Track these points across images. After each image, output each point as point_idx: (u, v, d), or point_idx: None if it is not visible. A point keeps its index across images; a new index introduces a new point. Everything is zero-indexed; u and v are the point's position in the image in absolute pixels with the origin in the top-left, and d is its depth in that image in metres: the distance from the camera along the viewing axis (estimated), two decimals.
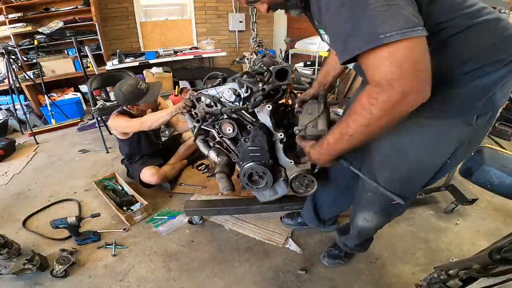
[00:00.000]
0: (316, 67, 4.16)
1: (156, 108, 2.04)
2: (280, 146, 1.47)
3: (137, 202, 1.95)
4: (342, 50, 0.66)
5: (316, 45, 4.30)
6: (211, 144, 1.61)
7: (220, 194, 1.99)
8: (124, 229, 1.74)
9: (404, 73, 0.58)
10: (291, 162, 1.50)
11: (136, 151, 2.15)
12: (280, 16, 5.68)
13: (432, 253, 1.53)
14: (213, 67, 4.99)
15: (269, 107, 1.36)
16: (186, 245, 1.64)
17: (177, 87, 4.24)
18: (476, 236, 1.63)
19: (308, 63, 4.49)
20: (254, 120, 1.40)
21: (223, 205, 1.75)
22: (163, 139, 2.54)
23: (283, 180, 1.53)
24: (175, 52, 4.63)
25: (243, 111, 1.36)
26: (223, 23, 5.31)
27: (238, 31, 5.42)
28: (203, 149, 1.59)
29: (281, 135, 1.42)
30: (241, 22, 5.30)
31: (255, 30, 1.61)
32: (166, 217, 1.84)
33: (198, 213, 1.75)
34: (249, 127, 1.40)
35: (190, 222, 1.78)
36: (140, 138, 2.09)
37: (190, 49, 4.88)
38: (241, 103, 1.40)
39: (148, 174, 2.00)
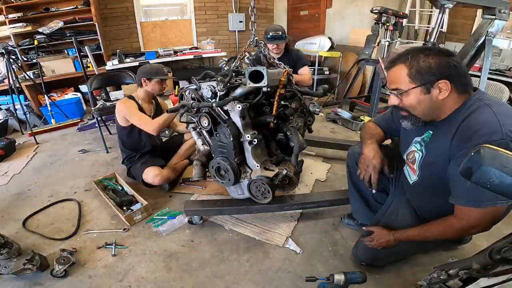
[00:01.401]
0: (316, 67, 4.15)
1: (161, 94, 2.27)
2: (248, 147, 1.47)
3: (137, 202, 1.95)
4: (458, 194, 0.97)
5: (316, 45, 4.30)
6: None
7: (190, 179, 2.09)
8: (124, 229, 1.74)
9: (482, 225, 1.00)
10: (257, 166, 1.49)
11: (135, 145, 2.14)
12: (280, 16, 5.68)
13: (432, 253, 1.53)
14: (213, 67, 4.99)
15: (239, 107, 1.37)
16: (186, 245, 1.64)
17: (177, 87, 4.24)
18: (476, 236, 1.62)
19: (308, 63, 4.49)
20: (226, 118, 1.42)
21: (223, 205, 1.75)
22: (164, 139, 2.54)
23: (248, 181, 1.54)
24: (175, 52, 4.63)
25: (218, 108, 1.40)
26: (223, 23, 5.31)
27: (238, 31, 5.42)
28: (194, 136, 1.67)
29: (248, 136, 1.43)
30: (241, 22, 5.31)
31: (253, 30, 1.62)
32: (166, 217, 1.83)
33: (198, 213, 1.75)
34: (221, 123, 1.43)
35: (190, 222, 1.78)
36: (141, 130, 2.10)
37: (190, 49, 4.88)
38: (217, 99, 1.44)
39: (151, 176, 2.00)
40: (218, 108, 1.40)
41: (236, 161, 1.48)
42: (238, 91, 1.41)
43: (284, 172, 1.44)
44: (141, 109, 2.06)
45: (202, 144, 1.63)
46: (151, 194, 2.05)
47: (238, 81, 1.49)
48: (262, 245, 1.62)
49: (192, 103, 1.42)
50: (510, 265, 0.78)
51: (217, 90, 1.42)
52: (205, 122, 1.48)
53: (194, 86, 1.50)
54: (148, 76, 2.02)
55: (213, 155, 1.56)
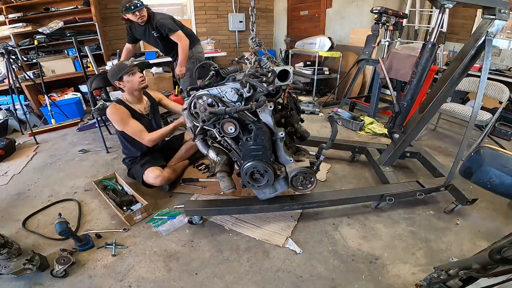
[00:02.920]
0: (316, 67, 4.16)
1: (146, 87, 2.09)
2: (280, 144, 1.49)
3: (137, 202, 1.95)
4: None
5: (316, 45, 4.30)
6: (209, 143, 1.62)
7: (222, 193, 1.98)
8: (124, 229, 1.74)
9: None
10: (291, 160, 1.51)
11: (136, 146, 2.10)
12: (280, 16, 5.68)
13: (432, 253, 1.53)
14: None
15: (271, 106, 1.37)
16: (186, 245, 1.64)
17: (177, 87, 4.24)
18: (476, 236, 1.63)
19: (308, 63, 4.50)
20: (255, 119, 1.41)
21: (223, 205, 1.75)
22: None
23: (283, 177, 1.54)
24: None
25: (245, 110, 1.37)
26: (223, 23, 5.32)
27: (238, 31, 5.42)
28: (202, 148, 1.60)
29: (281, 133, 1.43)
30: (241, 22, 5.31)
31: (254, 30, 1.61)
32: (166, 217, 1.84)
33: (198, 213, 1.75)
34: (251, 126, 1.40)
35: (190, 222, 1.78)
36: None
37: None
38: (243, 102, 1.41)
39: (152, 177, 1.99)
40: (246, 111, 1.36)
41: (272, 161, 1.48)
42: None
43: (322, 158, 1.49)
44: (133, 112, 2.02)
45: (217, 155, 1.56)
46: (151, 194, 2.06)
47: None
48: (262, 245, 1.62)
49: (226, 108, 1.34)
50: (510, 265, 0.78)
51: (243, 92, 1.38)
52: (230, 128, 1.41)
53: (209, 91, 1.43)
54: (115, 78, 1.97)
55: (242, 161, 1.50)
